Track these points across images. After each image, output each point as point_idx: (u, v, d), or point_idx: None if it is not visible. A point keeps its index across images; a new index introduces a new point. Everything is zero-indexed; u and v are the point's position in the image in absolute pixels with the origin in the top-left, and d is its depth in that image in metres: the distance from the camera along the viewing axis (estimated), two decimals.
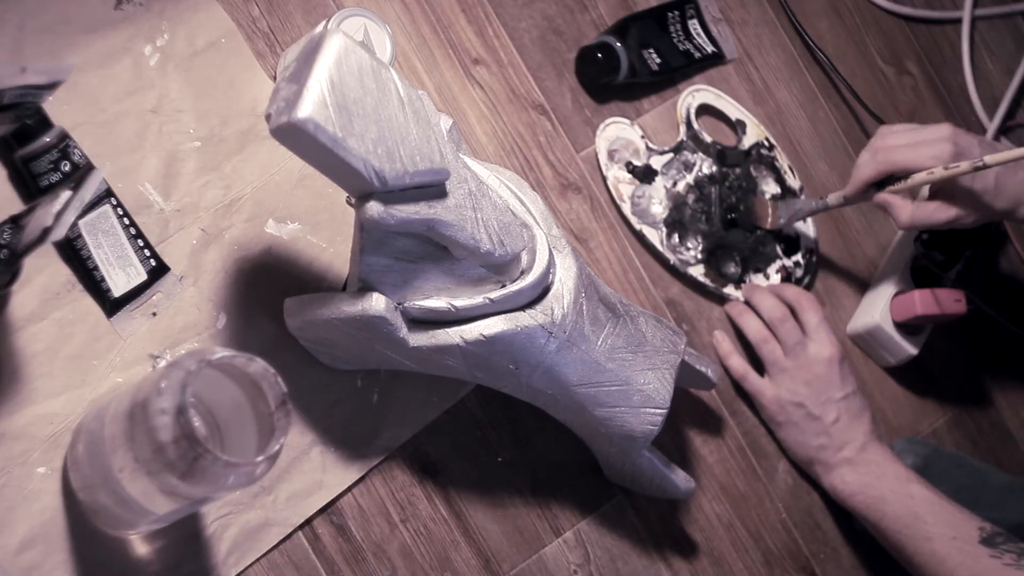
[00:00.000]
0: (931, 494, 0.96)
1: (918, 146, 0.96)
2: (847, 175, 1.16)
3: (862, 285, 1.15)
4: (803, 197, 1.08)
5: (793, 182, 1.11)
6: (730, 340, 1.06)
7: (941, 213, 0.98)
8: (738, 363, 1.04)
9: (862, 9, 1.22)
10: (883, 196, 0.99)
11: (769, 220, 1.08)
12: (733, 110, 1.11)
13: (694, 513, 1.02)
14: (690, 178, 1.06)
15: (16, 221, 0.74)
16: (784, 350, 1.02)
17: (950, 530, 0.93)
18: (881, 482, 0.98)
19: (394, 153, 0.73)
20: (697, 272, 1.05)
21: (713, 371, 0.98)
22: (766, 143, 1.11)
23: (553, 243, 0.86)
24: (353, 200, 0.75)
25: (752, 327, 1.04)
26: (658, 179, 1.05)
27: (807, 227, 1.11)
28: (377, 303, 0.78)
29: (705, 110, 1.10)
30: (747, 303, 1.06)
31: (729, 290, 1.06)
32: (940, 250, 1.12)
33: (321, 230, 0.90)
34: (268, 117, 0.71)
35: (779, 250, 1.10)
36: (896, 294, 1.12)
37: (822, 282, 1.13)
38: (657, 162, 1.06)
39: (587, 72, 1.04)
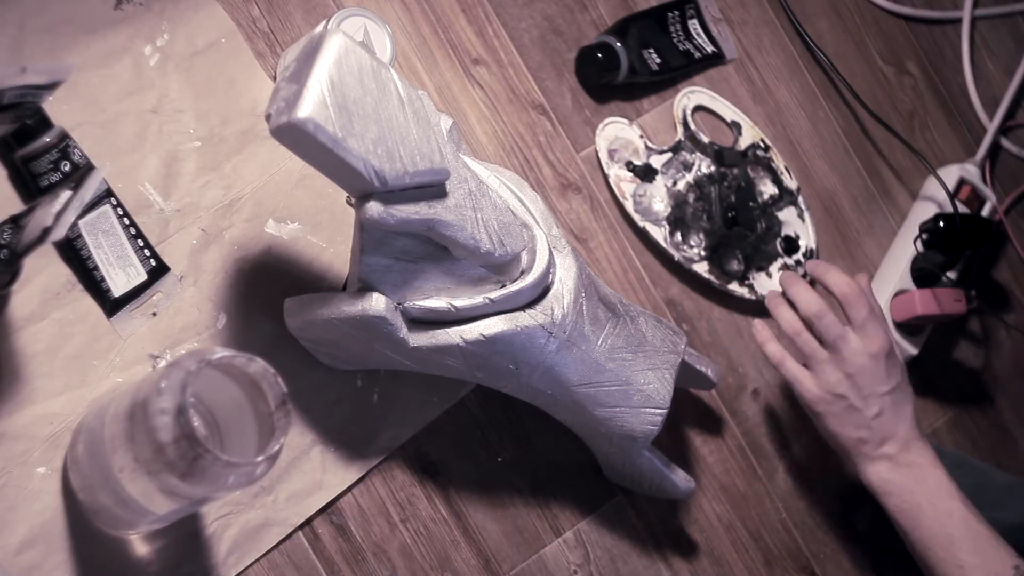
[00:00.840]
0: (970, 515, 0.92)
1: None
2: (847, 175, 1.17)
3: None
4: None
5: (790, 182, 1.11)
6: (768, 328, 1.01)
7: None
8: (775, 349, 0.99)
9: (862, 9, 1.22)
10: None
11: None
12: (728, 111, 1.11)
13: (694, 513, 1.02)
14: (690, 177, 1.06)
15: (16, 221, 0.74)
16: (823, 344, 0.97)
17: (984, 563, 0.89)
18: (920, 488, 0.94)
19: (394, 153, 0.73)
20: (701, 269, 1.05)
21: (713, 371, 0.98)
22: (762, 144, 1.11)
23: (553, 243, 0.86)
24: (353, 200, 0.75)
25: (786, 319, 0.99)
26: (658, 178, 1.05)
27: (807, 227, 1.12)
28: (377, 303, 0.78)
29: (703, 111, 1.10)
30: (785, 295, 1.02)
31: (733, 287, 1.06)
32: (940, 250, 1.12)
33: (321, 230, 0.90)
34: (268, 117, 0.71)
35: (780, 249, 1.10)
36: (896, 294, 1.12)
37: None
38: (656, 161, 1.06)
39: (587, 72, 1.04)
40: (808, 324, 0.98)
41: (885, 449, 0.96)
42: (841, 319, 0.97)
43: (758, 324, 1.02)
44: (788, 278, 1.01)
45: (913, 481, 0.94)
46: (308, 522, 0.85)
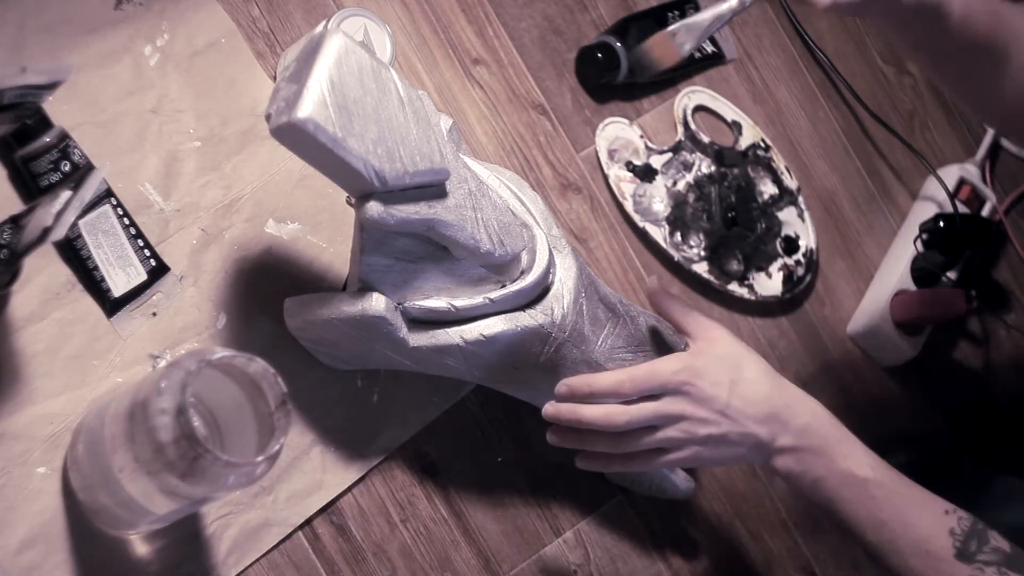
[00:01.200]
0: (890, 486, 0.83)
1: None
2: (847, 175, 1.16)
3: (862, 285, 1.15)
4: (701, 11, 0.86)
5: (790, 182, 1.11)
6: (593, 458, 0.89)
7: None
8: (623, 466, 0.88)
9: None
10: None
11: (671, 57, 0.88)
12: (728, 111, 1.11)
13: (694, 513, 1.02)
14: (690, 177, 1.06)
15: (16, 221, 0.74)
16: (655, 425, 0.86)
17: (920, 540, 0.82)
18: (831, 476, 0.84)
19: (394, 153, 0.73)
20: (701, 269, 1.05)
21: None
22: (762, 144, 1.11)
23: (553, 243, 0.86)
24: (353, 200, 0.75)
25: (619, 451, 0.86)
26: (658, 178, 1.05)
27: (807, 227, 1.11)
28: (377, 303, 0.78)
29: (703, 110, 1.10)
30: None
31: (733, 287, 1.06)
32: (940, 250, 1.12)
33: (321, 230, 0.90)
34: (268, 117, 0.71)
35: (780, 249, 1.10)
36: (896, 294, 1.12)
37: (822, 282, 1.13)
38: (656, 161, 1.06)
39: (587, 72, 1.04)
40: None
41: (781, 443, 0.85)
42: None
43: (580, 463, 0.89)
44: (569, 416, 0.86)
45: (823, 468, 0.84)
46: (308, 522, 0.85)
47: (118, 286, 0.81)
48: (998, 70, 0.88)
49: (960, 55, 0.87)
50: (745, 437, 0.85)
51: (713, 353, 0.86)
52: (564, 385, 0.85)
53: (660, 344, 0.92)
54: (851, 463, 0.84)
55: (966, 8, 0.84)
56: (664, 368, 0.84)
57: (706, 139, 1.08)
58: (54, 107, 0.81)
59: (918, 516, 0.83)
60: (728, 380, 0.85)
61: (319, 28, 0.87)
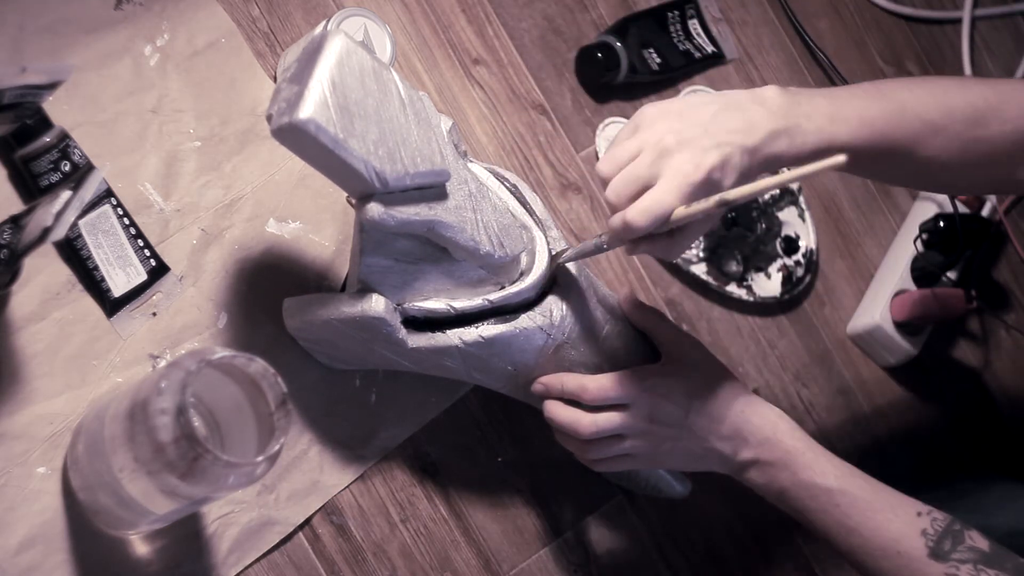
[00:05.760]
0: (856, 496, 0.83)
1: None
2: (847, 175, 1.16)
3: (862, 285, 1.15)
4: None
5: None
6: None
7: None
8: (601, 465, 0.89)
9: (862, 9, 1.22)
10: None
11: None
12: None
13: (694, 513, 1.02)
14: None
15: (16, 221, 0.74)
16: (621, 434, 0.87)
17: (891, 543, 0.82)
18: (794, 487, 0.85)
19: (395, 154, 0.73)
20: (699, 270, 1.05)
21: None
22: None
23: (552, 244, 0.86)
24: (353, 201, 0.75)
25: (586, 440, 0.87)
26: None
27: (808, 226, 1.11)
28: (376, 304, 0.78)
29: None
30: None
31: (731, 288, 1.06)
32: (940, 250, 1.12)
33: (322, 229, 0.90)
34: (269, 118, 0.71)
35: (780, 249, 1.10)
36: (896, 294, 1.12)
37: (822, 282, 1.13)
38: None
39: (587, 72, 1.04)
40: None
41: (743, 457, 0.86)
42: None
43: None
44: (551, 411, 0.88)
45: (786, 480, 0.85)
46: (308, 522, 0.85)
47: (118, 286, 0.81)
48: (905, 165, 0.84)
49: (862, 167, 0.84)
50: (708, 452, 0.86)
51: (681, 367, 0.87)
52: (540, 383, 0.87)
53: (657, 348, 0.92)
54: (814, 473, 0.84)
55: (854, 136, 0.80)
56: (632, 380, 0.85)
57: None
58: (54, 107, 0.81)
59: (887, 520, 0.83)
60: (694, 395, 0.86)
61: (319, 28, 0.87)
